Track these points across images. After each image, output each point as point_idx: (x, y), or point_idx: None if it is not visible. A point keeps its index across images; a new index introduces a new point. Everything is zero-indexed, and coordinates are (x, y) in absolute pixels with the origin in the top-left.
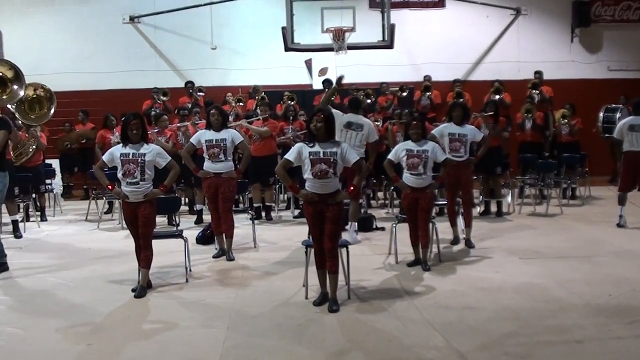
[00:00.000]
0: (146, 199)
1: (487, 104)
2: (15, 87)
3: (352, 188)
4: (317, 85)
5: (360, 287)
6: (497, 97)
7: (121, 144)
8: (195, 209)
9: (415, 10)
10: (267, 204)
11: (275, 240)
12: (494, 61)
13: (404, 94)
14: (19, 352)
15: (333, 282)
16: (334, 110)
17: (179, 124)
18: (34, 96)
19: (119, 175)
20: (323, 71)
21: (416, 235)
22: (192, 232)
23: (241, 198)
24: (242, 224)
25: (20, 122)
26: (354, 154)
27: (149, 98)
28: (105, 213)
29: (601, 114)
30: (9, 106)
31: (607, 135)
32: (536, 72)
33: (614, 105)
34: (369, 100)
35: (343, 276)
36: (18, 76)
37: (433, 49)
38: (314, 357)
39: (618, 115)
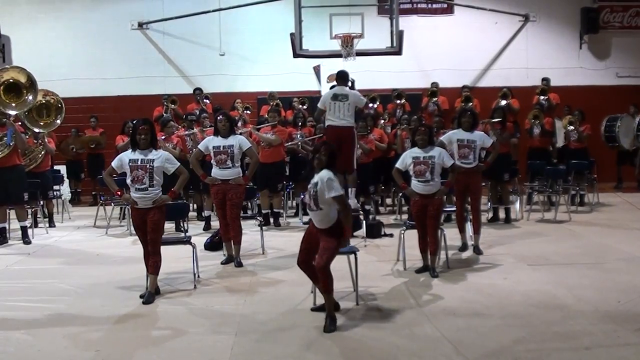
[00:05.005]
0: (155, 205)
1: (495, 110)
2: (30, 97)
3: (345, 231)
4: (326, 91)
5: (368, 293)
6: (504, 102)
7: (130, 150)
8: (203, 215)
9: (424, 16)
10: (275, 210)
11: (284, 246)
12: (502, 67)
13: (398, 101)
14: (27, 358)
15: (327, 302)
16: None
17: (187, 132)
18: (43, 102)
19: (128, 181)
20: (331, 77)
21: (425, 242)
22: (200, 239)
23: (249, 204)
24: (250, 230)
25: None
26: (332, 190)
27: (157, 104)
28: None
29: (603, 125)
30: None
31: (611, 144)
32: (543, 79)
33: (615, 115)
34: (374, 105)
35: (351, 282)
36: (32, 85)
37: (441, 55)
38: None
39: (618, 124)
